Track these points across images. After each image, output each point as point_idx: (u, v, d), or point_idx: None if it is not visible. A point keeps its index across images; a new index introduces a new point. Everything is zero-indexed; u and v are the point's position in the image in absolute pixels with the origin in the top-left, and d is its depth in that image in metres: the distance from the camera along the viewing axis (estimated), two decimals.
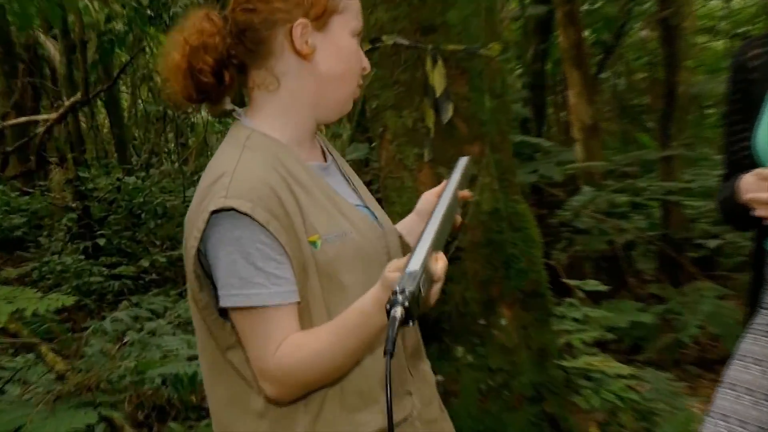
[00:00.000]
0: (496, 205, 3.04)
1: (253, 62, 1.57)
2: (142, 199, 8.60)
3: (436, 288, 1.37)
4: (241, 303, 1.43)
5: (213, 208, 1.41)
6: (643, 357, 4.67)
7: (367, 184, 7.32)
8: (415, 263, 1.30)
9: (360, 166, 7.88)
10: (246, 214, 1.41)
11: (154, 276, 7.95)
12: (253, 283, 1.42)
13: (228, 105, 1.63)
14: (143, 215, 8.54)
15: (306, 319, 1.50)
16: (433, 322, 3.04)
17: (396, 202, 3.07)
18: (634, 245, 6.39)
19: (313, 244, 1.50)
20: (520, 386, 3.03)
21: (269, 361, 1.44)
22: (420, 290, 1.25)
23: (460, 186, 1.87)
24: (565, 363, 3.20)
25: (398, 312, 1.20)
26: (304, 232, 1.49)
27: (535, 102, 7.36)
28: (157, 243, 8.65)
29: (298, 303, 1.48)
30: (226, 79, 1.57)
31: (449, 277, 2.99)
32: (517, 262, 3.06)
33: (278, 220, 1.44)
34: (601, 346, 4.51)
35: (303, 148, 1.62)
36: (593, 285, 3.83)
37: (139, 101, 12.70)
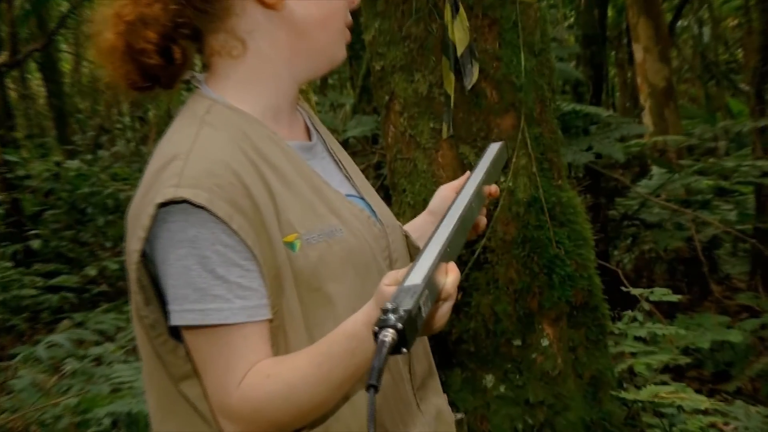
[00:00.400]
0: (534, 193, 3.05)
1: (208, 26, 1.59)
2: (88, 190, 8.66)
3: (446, 308, 1.39)
4: (197, 321, 1.45)
5: (161, 199, 1.43)
6: (731, 387, 4.68)
7: (376, 167, 7.36)
8: (417, 275, 1.32)
9: (367, 145, 7.91)
10: (202, 208, 1.43)
11: (103, 287, 8.02)
12: (212, 296, 1.44)
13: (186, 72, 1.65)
14: (89, 210, 8.60)
15: (280, 342, 1.52)
16: (454, 344, 3.07)
17: (407, 190, 3.09)
18: (719, 243, 6.39)
19: (290, 245, 1.52)
20: (567, 425, 3.05)
21: (232, 394, 1.45)
22: (420, 309, 1.26)
23: (488, 179, 1.89)
24: (626, 395, 3.22)
25: (388, 336, 1.21)
26: (278, 231, 1.51)
27: (591, 60, 7.35)
28: (108, 245, 8.72)
29: (270, 321, 1.50)
30: (176, 57, 1.59)
31: (475, 287, 3.02)
32: (563, 265, 3.07)
33: (244, 215, 1.46)
34: (675, 372, 4.53)
35: (280, 123, 1.65)
36: (664, 294, 3.83)
37: (84, 63, 12.77)
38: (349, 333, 1.41)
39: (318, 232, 1.55)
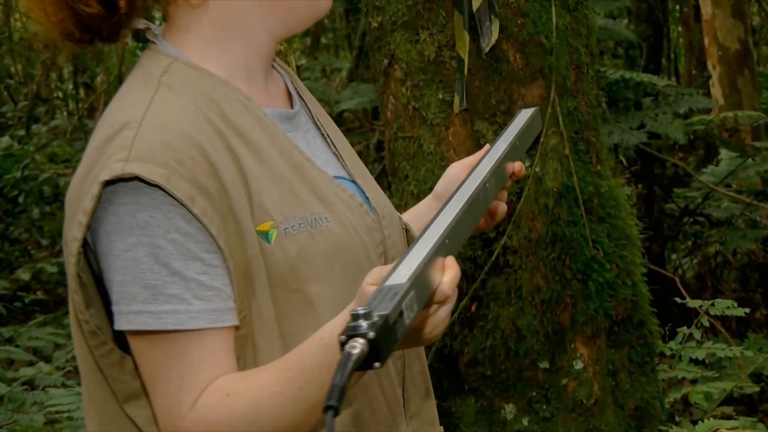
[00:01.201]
0: (567, 181, 3.08)
1: None
2: (19, 174, 8.69)
3: (442, 313, 1.42)
4: (147, 325, 1.48)
5: (107, 176, 1.46)
6: None
7: (377, 147, 7.37)
8: (403, 272, 1.33)
9: (365, 120, 7.93)
10: (157, 186, 1.45)
11: (39, 295, 8.06)
12: (166, 296, 1.47)
13: (138, 22, 1.68)
14: (21, 199, 8.62)
15: (248, 354, 1.55)
16: (467, 366, 3.10)
17: (410, 176, 3.12)
18: None
19: (265, 235, 1.55)
20: None
21: (184, 416, 1.48)
22: (401, 314, 1.27)
23: (513, 154, 1.91)
24: (678, 430, 3.24)
25: (356, 348, 1.20)
26: (249, 217, 1.54)
27: (647, 17, 7.35)
28: (44, 243, 8.76)
29: (236, 328, 1.53)
30: (120, 4, 1.60)
31: (493, 296, 3.05)
32: (601, 270, 3.10)
33: (208, 197, 1.49)
34: (742, 403, 4.55)
35: (254, 86, 1.68)
36: (728, 307, 3.86)
37: (16, 17, 12.79)
38: (325, 343, 1.44)
39: (299, 221, 1.58)
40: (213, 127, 1.55)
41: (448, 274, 1.40)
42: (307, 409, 1.47)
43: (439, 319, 1.42)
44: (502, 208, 1.95)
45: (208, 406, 1.47)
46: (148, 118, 1.51)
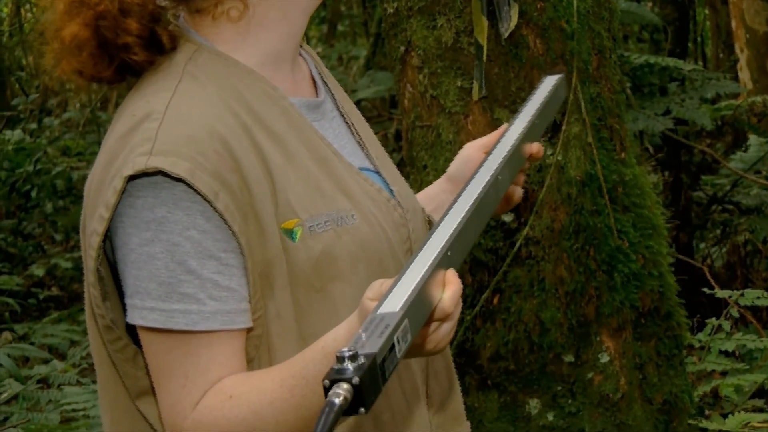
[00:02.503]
0: (590, 169, 3.07)
1: None
2: (32, 168, 8.71)
3: (444, 329, 1.40)
4: (158, 323, 1.48)
5: (130, 171, 1.46)
6: None
7: (395, 137, 7.37)
8: (397, 296, 1.30)
9: (383, 109, 7.92)
10: (182, 180, 1.45)
11: (53, 291, 8.09)
12: (180, 294, 1.48)
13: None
14: (34, 193, 8.65)
15: (263, 355, 1.56)
16: (490, 360, 3.10)
17: (428, 166, 3.12)
18: None
19: (290, 233, 1.55)
20: None
21: (186, 416, 1.49)
22: (392, 349, 1.24)
23: (532, 133, 1.87)
24: (708, 424, 3.23)
25: (340, 395, 1.16)
26: (272, 215, 1.53)
27: (672, 0, 7.32)
28: (58, 238, 8.79)
29: (249, 330, 1.53)
30: (165, 42, 1.59)
31: (516, 288, 3.05)
32: (627, 261, 3.09)
33: (231, 193, 1.49)
34: None
35: (281, 73, 1.67)
36: (759, 297, 3.84)
37: (27, 8, 12.83)
38: (328, 352, 1.43)
39: (324, 218, 1.58)
40: (238, 121, 1.54)
41: (448, 290, 1.38)
42: (309, 416, 1.46)
43: (442, 335, 1.40)
44: (518, 192, 1.94)
45: (210, 407, 1.48)
46: (171, 109, 1.51)
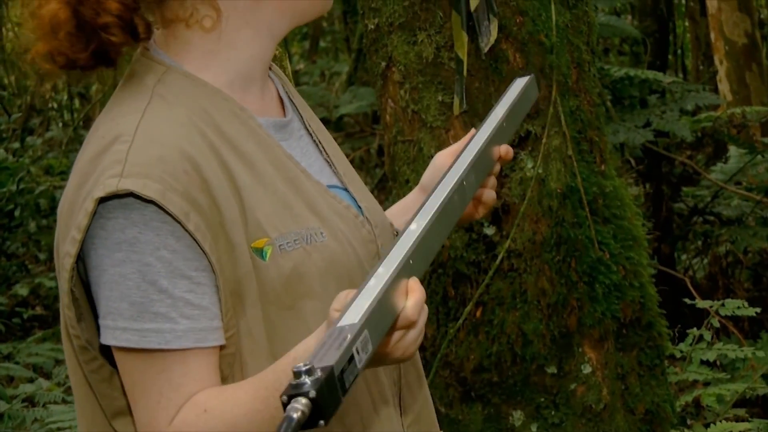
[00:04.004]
0: (571, 181, 3.09)
1: None
2: (15, 187, 8.70)
3: (410, 337, 1.41)
4: (132, 343, 1.49)
5: (101, 193, 1.46)
6: None
7: (378, 152, 7.37)
8: (356, 311, 1.31)
9: (365, 125, 7.94)
10: (151, 202, 1.46)
11: (37, 311, 8.07)
12: (152, 314, 1.48)
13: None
14: (18, 212, 8.64)
15: (236, 372, 1.56)
16: (474, 372, 3.11)
17: (410, 180, 3.13)
18: None
19: (260, 252, 1.56)
20: None
21: (161, 430, 1.50)
22: (351, 360, 1.25)
23: (500, 136, 1.86)
24: None
25: (297, 411, 1.17)
26: (242, 234, 1.54)
27: (652, 11, 7.37)
28: (42, 258, 8.77)
29: (221, 348, 1.54)
30: (140, 31, 1.60)
31: (498, 300, 3.06)
32: (608, 272, 3.11)
33: (201, 213, 1.49)
34: (755, 405, 4.55)
35: (250, 94, 1.68)
36: (738, 307, 3.87)
37: (8, 26, 12.82)
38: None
39: (294, 237, 1.58)
40: (206, 141, 1.55)
41: (411, 299, 1.40)
42: None
43: (408, 342, 1.42)
44: (490, 195, 1.92)
45: (186, 422, 1.48)
46: (141, 131, 1.51)
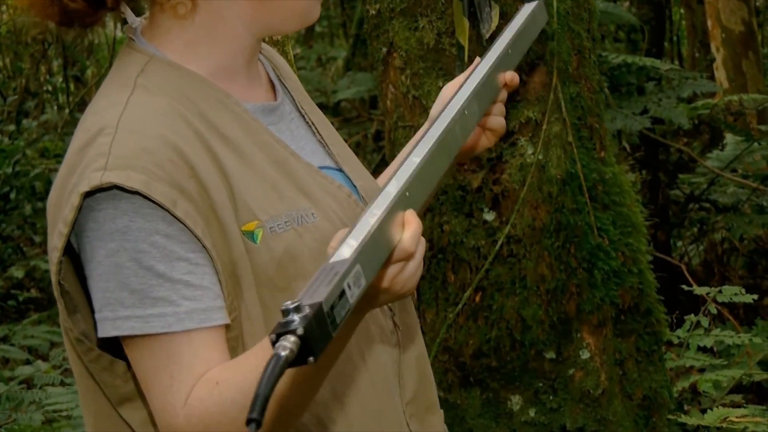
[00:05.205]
0: (571, 168, 3.10)
1: None
2: (10, 169, 8.70)
3: (409, 269, 1.41)
4: (136, 330, 1.49)
5: (86, 188, 1.47)
6: None
7: (375, 137, 7.37)
8: (348, 246, 1.30)
9: (363, 110, 7.94)
10: (137, 193, 1.47)
11: (33, 293, 8.07)
12: (153, 299, 1.49)
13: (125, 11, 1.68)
14: (13, 195, 8.63)
15: (239, 355, 1.56)
16: (473, 357, 3.13)
17: None
18: None
19: (251, 235, 1.56)
20: None
21: (178, 414, 1.50)
22: (343, 295, 1.24)
23: (506, 62, 1.84)
24: (687, 419, 3.26)
25: (285, 348, 1.16)
26: (233, 218, 1.55)
27: (649, 0, 7.37)
28: (37, 240, 8.77)
29: (227, 327, 1.54)
30: (108, 1, 1.61)
31: (497, 286, 3.07)
32: (607, 259, 3.13)
33: (190, 199, 1.50)
34: (751, 392, 4.57)
35: (234, 83, 1.68)
36: (735, 293, 3.87)
37: (3, 9, 12.79)
38: None
39: (284, 219, 1.59)
40: (191, 128, 1.55)
41: (408, 230, 1.40)
42: (300, 389, 1.49)
43: (407, 275, 1.42)
44: (497, 121, 1.88)
45: (199, 398, 1.48)
46: (123, 122, 1.52)
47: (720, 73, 7.98)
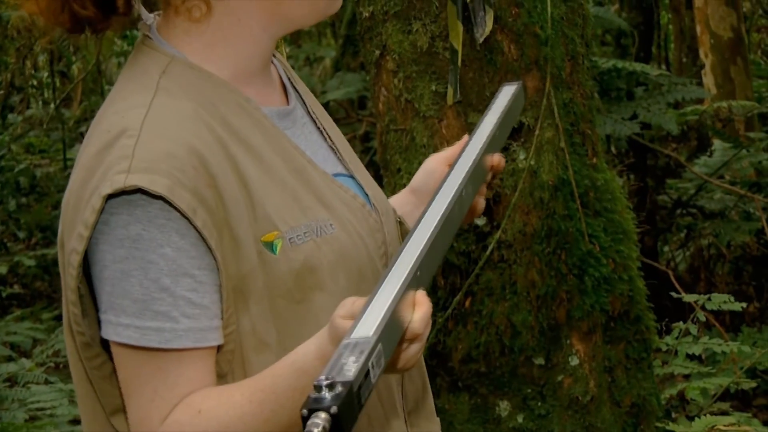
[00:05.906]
0: (562, 174, 3.10)
1: None
2: None
3: (413, 350, 1.41)
4: (132, 340, 1.49)
5: (109, 190, 1.45)
6: None
7: (363, 138, 7.37)
8: (370, 320, 1.31)
9: (351, 110, 7.94)
10: (160, 198, 1.45)
11: (16, 289, 8.06)
12: (153, 312, 1.48)
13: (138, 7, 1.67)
14: None
15: (237, 370, 1.56)
16: (462, 363, 3.12)
17: (402, 170, 3.13)
18: None
19: (270, 246, 1.55)
20: None
21: (153, 430, 1.49)
22: (367, 375, 1.25)
23: (493, 145, 1.87)
24: (675, 427, 3.27)
25: (318, 426, 1.18)
26: (248, 230, 1.54)
27: (638, 4, 7.38)
28: (21, 236, 8.75)
29: (220, 346, 1.53)
30: (119, 4, 1.60)
31: (487, 291, 3.07)
32: (597, 265, 3.12)
33: (208, 209, 1.49)
34: (738, 399, 4.59)
35: (252, 85, 1.67)
36: (725, 301, 3.89)
37: None
38: (298, 367, 1.44)
39: (304, 230, 1.59)
40: (213, 135, 1.54)
41: (418, 312, 1.40)
42: (278, 430, 1.48)
43: (411, 354, 1.42)
44: (481, 204, 1.94)
45: (179, 422, 1.48)
46: (147, 125, 1.51)
47: (708, 79, 8.00)
